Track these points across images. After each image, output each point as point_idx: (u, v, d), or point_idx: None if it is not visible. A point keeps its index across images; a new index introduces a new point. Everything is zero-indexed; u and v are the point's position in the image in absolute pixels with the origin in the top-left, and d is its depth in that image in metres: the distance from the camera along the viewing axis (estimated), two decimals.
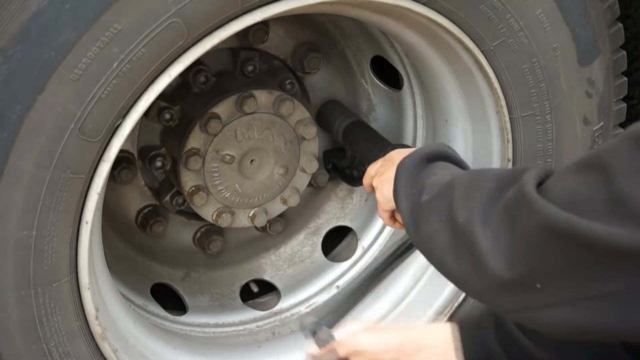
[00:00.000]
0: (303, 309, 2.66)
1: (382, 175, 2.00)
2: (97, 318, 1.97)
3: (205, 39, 1.78)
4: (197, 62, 2.08)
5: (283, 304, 2.67)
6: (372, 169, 2.11)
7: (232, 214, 2.38)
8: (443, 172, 1.75)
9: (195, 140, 2.25)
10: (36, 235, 1.78)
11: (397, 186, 1.80)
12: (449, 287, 2.46)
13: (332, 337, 1.96)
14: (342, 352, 1.88)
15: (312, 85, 2.53)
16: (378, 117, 2.64)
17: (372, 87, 2.60)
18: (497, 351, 1.76)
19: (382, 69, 2.57)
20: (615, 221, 1.18)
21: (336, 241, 2.77)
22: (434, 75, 2.31)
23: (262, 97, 2.28)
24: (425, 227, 1.63)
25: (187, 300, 2.58)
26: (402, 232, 2.65)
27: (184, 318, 2.54)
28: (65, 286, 1.88)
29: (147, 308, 2.46)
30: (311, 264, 2.72)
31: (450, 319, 2.47)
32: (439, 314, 2.47)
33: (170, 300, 2.56)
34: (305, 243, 2.73)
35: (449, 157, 1.85)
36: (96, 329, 1.98)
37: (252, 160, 2.34)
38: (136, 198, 2.43)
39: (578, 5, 2.14)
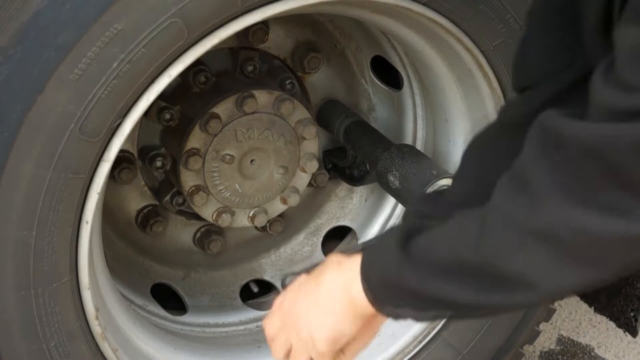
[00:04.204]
0: None
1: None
2: (97, 318, 1.97)
3: (205, 39, 1.78)
4: (197, 62, 2.07)
5: None
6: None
7: (232, 214, 2.38)
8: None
9: (195, 140, 2.25)
10: (36, 235, 1.78)
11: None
12: None
13: None
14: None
15: (312, 85, 2.53)
16: (378, 117, 2.64)
17: (372, 87, 2.60)
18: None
19: (382, 69, 2.57)
20: None
21: (336, 241, 2.77)
22: (434, 75, 2.31)
23: (262, 97, 2.28)
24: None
25: (187, 300, 2.58)
26: None
27: (184, 318, 2.54)
28: (65, 286, 1.88)
29: (147, 308, 2.46)
30: (311, 264, 2.72)
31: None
32: None
33: (170, 300, 2.56)
34: (305, 243, 2.73)
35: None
36: (96, 329, 1.98)
37: (252, 160, 2.34)
38: (136, 198, 2.43)
39: None
